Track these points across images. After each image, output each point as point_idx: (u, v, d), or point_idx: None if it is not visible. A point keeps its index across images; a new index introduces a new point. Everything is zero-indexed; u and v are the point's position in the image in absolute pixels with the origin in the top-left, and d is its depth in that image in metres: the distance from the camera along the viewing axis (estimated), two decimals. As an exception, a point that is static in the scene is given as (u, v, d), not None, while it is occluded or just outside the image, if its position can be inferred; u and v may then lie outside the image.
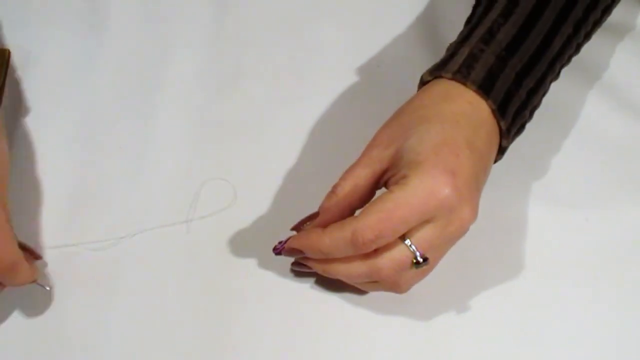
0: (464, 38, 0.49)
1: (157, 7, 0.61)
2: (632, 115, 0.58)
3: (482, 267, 0.52)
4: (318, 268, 0.48)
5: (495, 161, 0.50)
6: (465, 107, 0.46)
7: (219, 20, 0.61)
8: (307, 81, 0.59)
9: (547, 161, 0.56)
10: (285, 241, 0.48)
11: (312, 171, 0.55)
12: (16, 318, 0.51)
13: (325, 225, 0.45)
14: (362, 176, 0.46)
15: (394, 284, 0.46)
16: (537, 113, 0.51)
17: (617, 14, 0.60)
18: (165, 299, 0.51)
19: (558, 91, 0.55)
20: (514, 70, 0.48)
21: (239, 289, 0.52)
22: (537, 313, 0.51)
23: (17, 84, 0.59)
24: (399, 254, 0.44)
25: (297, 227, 0.49)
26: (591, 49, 0.58)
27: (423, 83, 0.50)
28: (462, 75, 0.47)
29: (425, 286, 0.51)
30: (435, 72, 0.48)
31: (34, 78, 0.58)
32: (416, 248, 0.44)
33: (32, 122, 0.57)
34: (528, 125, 0.51)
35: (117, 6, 0.60)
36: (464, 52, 0.48)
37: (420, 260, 0.44)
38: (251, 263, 0.52)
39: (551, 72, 0.51)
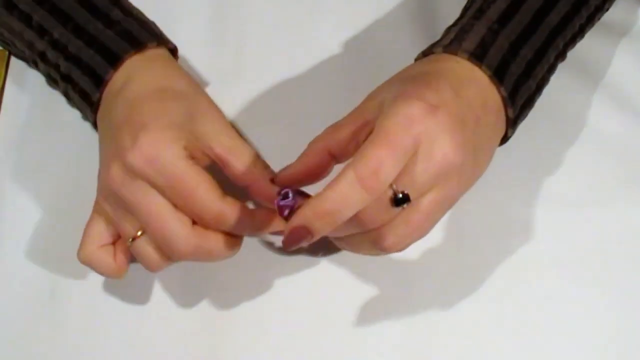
0: (455, 21, 0.51)
1: (157, 7, 0.61)
2: (632, 115, 0.58)
3: (482, 267, 0.52)
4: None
5: (507, 137, 0.49)
6: (454, 66, 0.46)
7: (219, 20, 0.61)
8: (307, 81, 0.59)
9: (548, 161, 0.56)
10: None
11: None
12: (16, 318, 0.51)
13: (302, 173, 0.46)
14: (347, 123, 0.46)
15: (379, 236, 0.42)
16: (537, 113, 0.51)
17: (617, 13, 0.60)
18: (166, 298, 0.51)
19: (558, 91, 0.55)
20: (507, 40, 0.48)
21: (239, 287, 0.52)
22: (537, 313, 0.51)
23: (17, 84, 0.59)
24: (389, 167, 0.41)
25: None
26: (591, 48, 0.58)
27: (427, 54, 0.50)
28: (454, 48, 0.47)
29: (425, 286, 0.52)
30: (427, 50, 0.49)
31: (34, 78, 0.58)
32: (395, 184, 0.41)
33: (33, 123, 0.57)
34: (528, 126, 0.51)
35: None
36: (455, 29, 0.49)
37: (400, 196, 0.41)
38: (251, 262, 0.52)
39: (553, 46, 0.50)
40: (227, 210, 0.45)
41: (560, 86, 0.54)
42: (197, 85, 0.50)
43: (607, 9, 0.57)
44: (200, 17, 0.61)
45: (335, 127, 0.46)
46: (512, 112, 0.47)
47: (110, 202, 0.46)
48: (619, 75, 0.59)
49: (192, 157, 0.45)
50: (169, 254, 0.45)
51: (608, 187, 0.55)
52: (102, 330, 0.51)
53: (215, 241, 0.45)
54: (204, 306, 0.51)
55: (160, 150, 0.43)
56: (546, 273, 0.52)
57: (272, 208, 0.45)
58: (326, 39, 0.61)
